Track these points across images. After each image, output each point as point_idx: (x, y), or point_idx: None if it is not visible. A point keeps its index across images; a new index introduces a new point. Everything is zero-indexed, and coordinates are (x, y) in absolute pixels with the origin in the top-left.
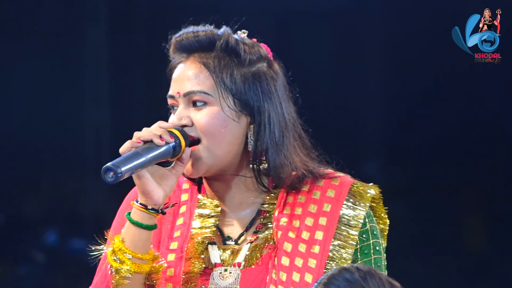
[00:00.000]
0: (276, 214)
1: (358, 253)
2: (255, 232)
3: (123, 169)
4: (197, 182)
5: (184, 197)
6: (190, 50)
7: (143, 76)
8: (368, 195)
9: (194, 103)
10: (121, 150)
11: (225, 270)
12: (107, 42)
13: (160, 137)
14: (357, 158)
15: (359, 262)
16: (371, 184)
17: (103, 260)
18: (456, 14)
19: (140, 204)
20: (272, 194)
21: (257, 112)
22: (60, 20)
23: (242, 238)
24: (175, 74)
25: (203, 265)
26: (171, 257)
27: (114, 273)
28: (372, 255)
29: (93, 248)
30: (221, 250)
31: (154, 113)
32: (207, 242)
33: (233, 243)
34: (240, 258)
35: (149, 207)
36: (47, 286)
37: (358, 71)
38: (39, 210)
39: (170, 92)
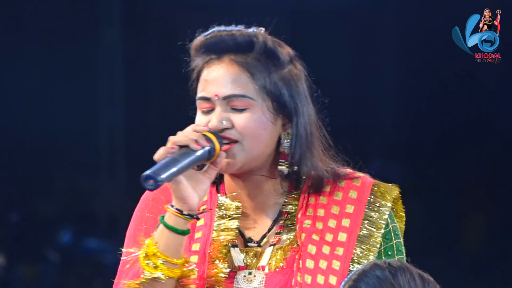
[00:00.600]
0: (299, 215)
1: (382, 255)
2: (277, 234)
3: (162, 176)
4: (215, 182)
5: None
6: (224, 50)
7: (157, 76)
8: (389, 195)
9: (234, 107)
10: (156, 157)
11: (249, 273)
12: (122, 42)
13: (196, 141)
14: (362, 156)
15: (393, 246)
16: (391, 184)
17: (131, 262)
18: (456, 14)
19: (176, 209)
20: (293, 195)
21: (294, 114)
22: (75, 20)
23: (265, 240)
24: (210, 76)
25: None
26: (194, 259)
27: (146, 277)
28: (396, 255)
29: (123, 251)
30: (244, 253)
31: (168, 113)
32: (229, 244)
33: (256, 245)
34: (264, 261)
35: (185, 212)
36: (61, 285)
37: (356, 72)
38: (53, 209)
39: (205, 94)
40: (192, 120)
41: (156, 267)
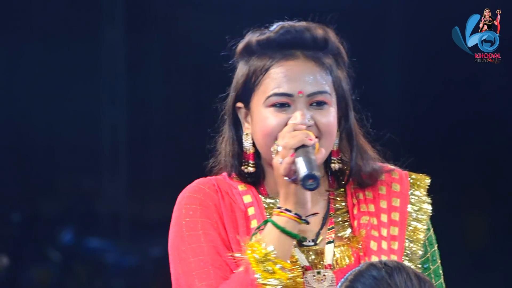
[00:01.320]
0: (355, 212)
1: (430, 261)
2: (329, 229)
3: (318, 174)
4: (253, 183)
5: (247, 198)
6: (300, 46)
7: (159, 75)
8: (424, 185)
9: (314, 104)
10: (283, 172)
11: (318, 272)
12: (124, 41)
13: (307, 137)
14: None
15: (429, 257)
16: (421, 174)
17: (215, 267)
18: (456, 14)
19: (295, 214)
20: (339, 191)
21: (349, 110)
22: (77, 19)
23: (320, 237)
24: (289, 72)
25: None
26: None
27: (263, 283)
28: (438, 260)
29: (231, 255)
30: (304, 252)
31: (170, 113)
32: None
33: (312, 243)
34: (328, 259)
35: (303, 217)
36: (62, 285)
37: (355, 72)
38: (55, 209)
39: (286, 91)
40: (195, 121)
41: (273, 273)
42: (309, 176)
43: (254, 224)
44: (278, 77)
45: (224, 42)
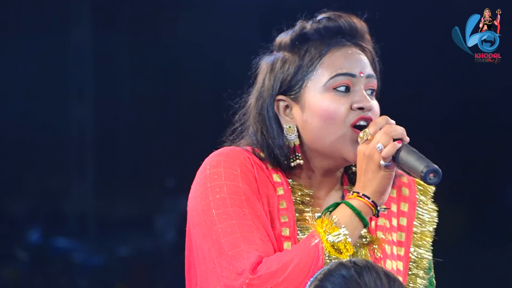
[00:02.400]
0: None
1: (432, 270)
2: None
3: (438, 169)
4: (283, 167)
5: (276, 178)
6: (354, 36)
7: (126, 74)
8: (430, 192)
9: (369, 91)
10: (384, 154)
11: None
12: (91, 40)
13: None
14: None
15: (430, 265)
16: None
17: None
18: (456, 14)
19: (372, 201)
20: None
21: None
22: (44, 18)
23: None
24: (347, 56)
25: None
26: (287, 245)
27: (328, 260)
28: (432, 269)
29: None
30: None
31: (137, 111)
32: None
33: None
34: (347, 257)
35: (379, 207)
36: (30, 284)
37: None
38: (22, 208)
39: (348, 70)
40: (162, 120)
41: (340, 253)
42: (431, 171)
43: (283, 205)
44: (338, 60)
45: (192, 40)
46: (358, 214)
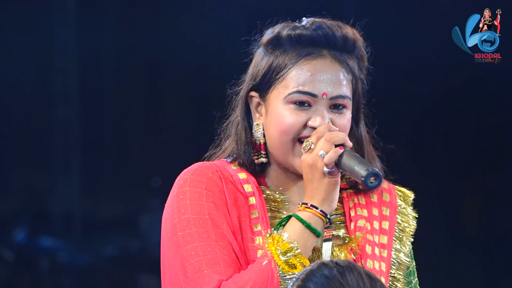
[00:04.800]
0: (352, 214)
1: (410, 260)
2: (326, 228)
3: (379, 171)
4: (253, 173)
5: (248, 188)
6: (329, 44)
7: (112, 75)
8: (410, 198)
9: (333, 106)
10: (326, 160)
11: None
12: (76, 40)
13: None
14: None
15: (411, 271)
16: (406, 189)
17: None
18: (456, 14)
19: (321, 211)
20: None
21: (361, 115)
22: (29, 18)
23: None
24: (315, 71)
25: None
26: (259, 253)
27: (283, 277)
28: (416, 275)
29: (255, 244)
30: None
31: (122, 112)
32: None
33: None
34: (326, 257)
35: (328, 215)
36: (15, 284)
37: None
38: (8, 208)
39: (311, 90)
40: (148, 121)
41: (294, 267)
42: (372, 174)
43: (255, 214)
44: (304, 75)
45: (177, 41)
46: (308, 226)
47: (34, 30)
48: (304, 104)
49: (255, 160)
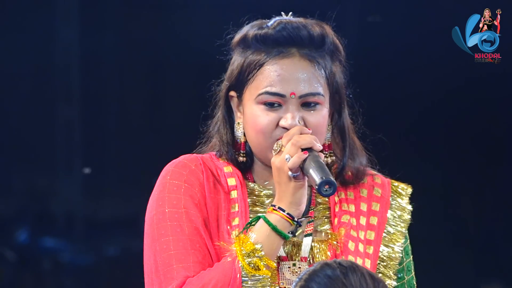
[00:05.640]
0: (336, 209)
1: (405, 271)
2: (309, 223)
3: (333, 180)
4: (241, 168)
5: (231, 181)
6: (296, 44)
7: (114, 74)
8: (406, 193)
9: (305, 104)
10: (290, 165)
11: (294, 264)
12: (79, 40)
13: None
14: None
15: (404, 267)
16: (404, 183)
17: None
18: (456, 14)
19: (288, 214)
20: None
21: (342, 108)
22: (32, 18)
23: (299, 229)
24: (283, 72)
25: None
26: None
27: (244, 279)
28: (412, 271)
29: (220, 243)
30: None
31: (125, 111)
32: None
33: (290, 234)
34: (304, 252)
35: (296, 218)
36: (17, 285)
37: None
38: (10, 208)
39: (279, 91)
40: (150, 120)
41: (257, 269)
42: (325, 182)
43: (235, 208)
44: (272, 76)
45: (179, 40)
46: (274, 229)
47: (35, 29)
48: (274, 105)
49: (238, 159)
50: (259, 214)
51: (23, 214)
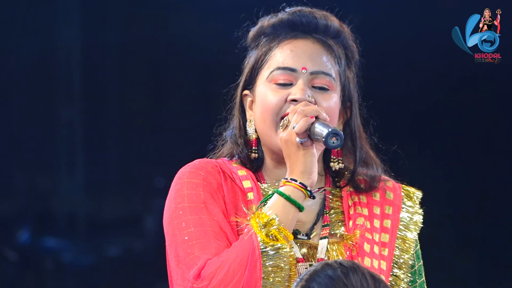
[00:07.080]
0: (351, 212)
1: (416, 274)
2: (324, 226)
3: (341, 132)
4: (253, 170)
5: (247, 184)
6: (313, 29)
7: (115, 74)
8: (416, 197)
9: (316, 87)
10: (297, 129)
11: (310, 265)
12: (80, 40)
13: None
14: None
15: (417, 270)
16: (414, 188)
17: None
18: (456, 14)
19: (300, 183)
20: (336, 191)
21: (352, 111)
22: (33, 19)
23: (314, 232)
24: (296, 48)
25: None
26: None
27: (264, 249)
28: (423, 276)
29: (234, 219)
30: (297, 245)
31: (126, 111)
32: None
33: (305, 237)
34: (321, 253)
35: (309, 188)
36: (19, 285)
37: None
38: (11, 208)
39: (290, 65)
40: (151, 121)
41: (275, 239)
42: (332, 133)
43: (252, 209)
44: (284, 53)
45: (180, 40)
46: (288, 198)
47: (36, 28)
48: (285, 85)
49: (250, 156)
50: (273, 190)
51: (25, 214)
